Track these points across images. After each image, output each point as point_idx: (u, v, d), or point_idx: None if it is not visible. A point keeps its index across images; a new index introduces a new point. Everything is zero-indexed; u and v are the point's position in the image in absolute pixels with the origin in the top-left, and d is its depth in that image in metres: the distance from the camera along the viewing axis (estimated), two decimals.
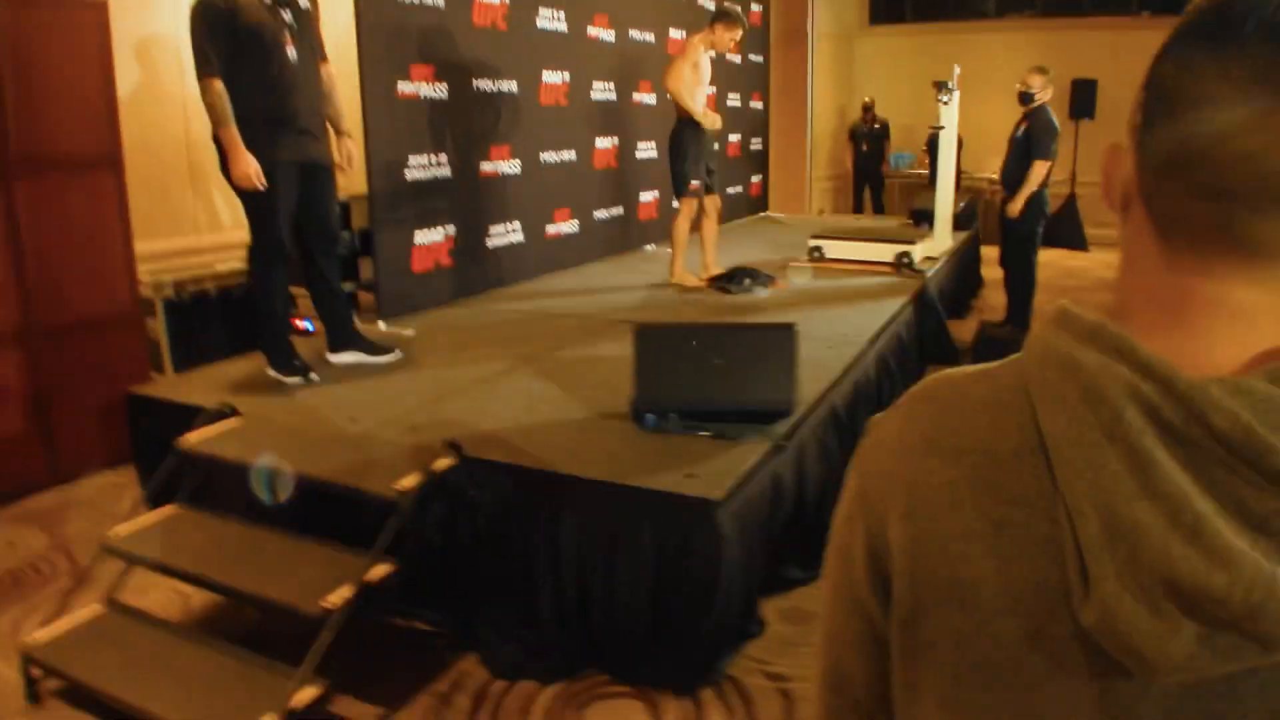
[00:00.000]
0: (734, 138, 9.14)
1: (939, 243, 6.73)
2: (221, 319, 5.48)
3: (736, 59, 8.98)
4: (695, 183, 5.82)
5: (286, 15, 3.86)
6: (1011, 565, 0.61)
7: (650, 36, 7.39)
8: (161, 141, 5.37)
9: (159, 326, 5.34)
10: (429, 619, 3.11)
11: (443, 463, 3.04)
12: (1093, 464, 0.56)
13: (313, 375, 4.04)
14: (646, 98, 7.37)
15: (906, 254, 6.29)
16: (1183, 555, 0.53)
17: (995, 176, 11.67)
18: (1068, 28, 11.87)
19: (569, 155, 6.41)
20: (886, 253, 6.38)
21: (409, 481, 2.89)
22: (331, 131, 4.15)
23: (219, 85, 3.71)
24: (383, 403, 3.75)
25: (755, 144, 9.72)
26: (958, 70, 6.34)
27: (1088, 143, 11.63)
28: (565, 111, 6.33)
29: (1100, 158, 0.67)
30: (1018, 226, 6.19)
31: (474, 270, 5.60)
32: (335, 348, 4.31)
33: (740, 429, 3.18)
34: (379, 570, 2.75)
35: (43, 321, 4.55)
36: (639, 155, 7.30)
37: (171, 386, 4.35)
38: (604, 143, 6.85)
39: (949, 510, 0.64)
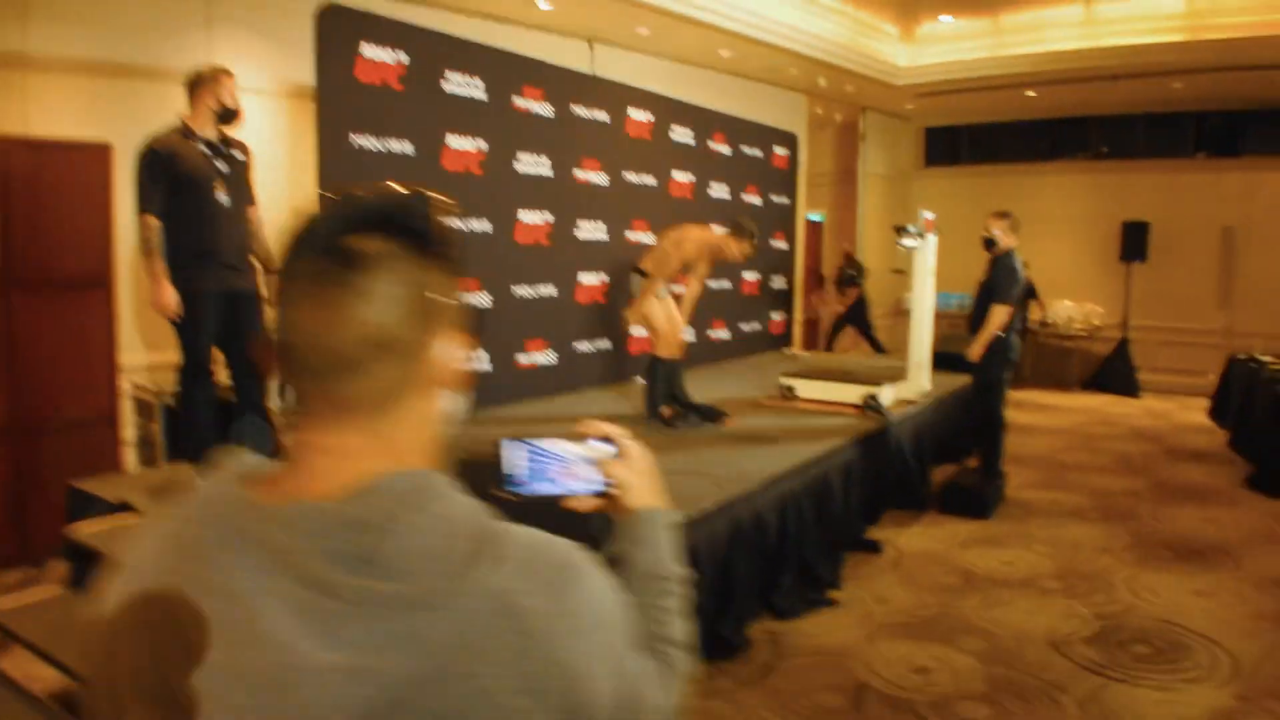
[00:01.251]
0: (751, 276, 9.39)
1: (914, 385, 6.74)
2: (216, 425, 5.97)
3: (757, 200, 9.31)
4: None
5: (220, 164, 4.40)
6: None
7: (650, 180, 7.80)
8: None
9: (157, 429, 5.88)
10: None
11: None
12: (203, 564, 0.84)
13: None
14: (644, 236, 7.73)
15: (873, 396, 6.33)
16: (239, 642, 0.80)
17: (1042, 320, 11.59)
18: (1121, 170, 11.82)
19: (548, 290, 6.78)
20: (855, 394, 6.44)
21: None
22: (260, 267, 4.64)
23: (155, 222, 4.23)
24: None
25: (778, 282, 9.93)
26: (926, 215, 6.45)
27: (1140, 286, 11.45)
28: (546, 250, 6.73)
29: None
30: (981, 372, 6.19)
31: None
32: None
33: None
34: None
35: (26, 419, 5.12)
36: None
37: (112, 483, 4.73)
38: (590, 278, 7.20)
39: None
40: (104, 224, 5.62)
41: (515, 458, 1.19)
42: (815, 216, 13.30)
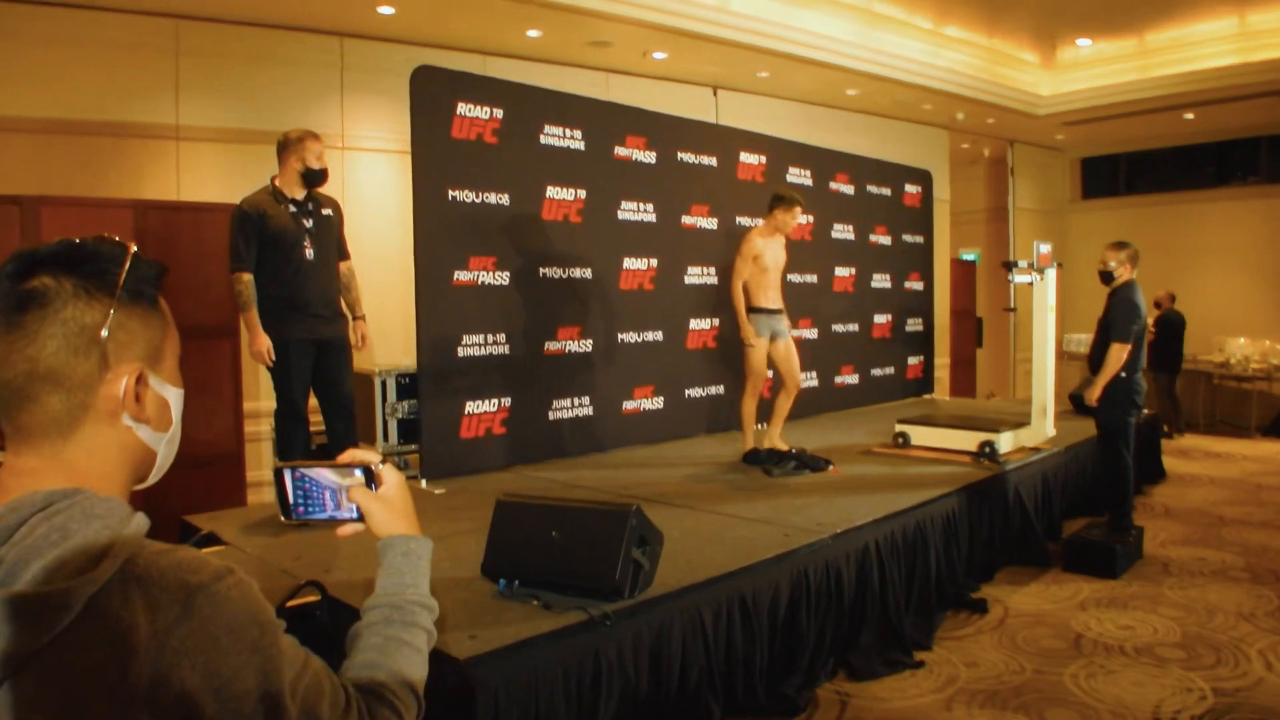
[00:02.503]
0: (880, 319, 9.10)
1: (1036, 432, 6.34)
2: None
3: (886, 240, 9.04)
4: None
5: (308, 222, 4.68)
6: None
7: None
8: None
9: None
10: None
11: (301, 598, 3.43)
12: None
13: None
14: None
15: (989, 444, 6.00)
16: None
17: (1220, 359, 10.71)
18: None
19: (653, 335, 6.77)
20: (970, 442, 6.12)
21: None
22: (349, 316, 4.88)
23: (247, 277, 4.53)
24: (338, 551, 4.20)
25: (913, 325, 9.57)
26: (1042, 248, 6.08)
27: None
28: (650, 295, 6.74)
29: None
30: (1102, 417, 5.75)
31: (531, 439, 6.02)
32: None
33: (569, 601, 3.31)
34: None
35: None
36: None
37: (218, 519, 5.01)
38: (700, 324, 7.16)
39: None
40: (228, 278, 6.01)
41: (288, 486, 1.25)
42: (970, 256, 12.83)
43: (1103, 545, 5.67)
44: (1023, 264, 6.08)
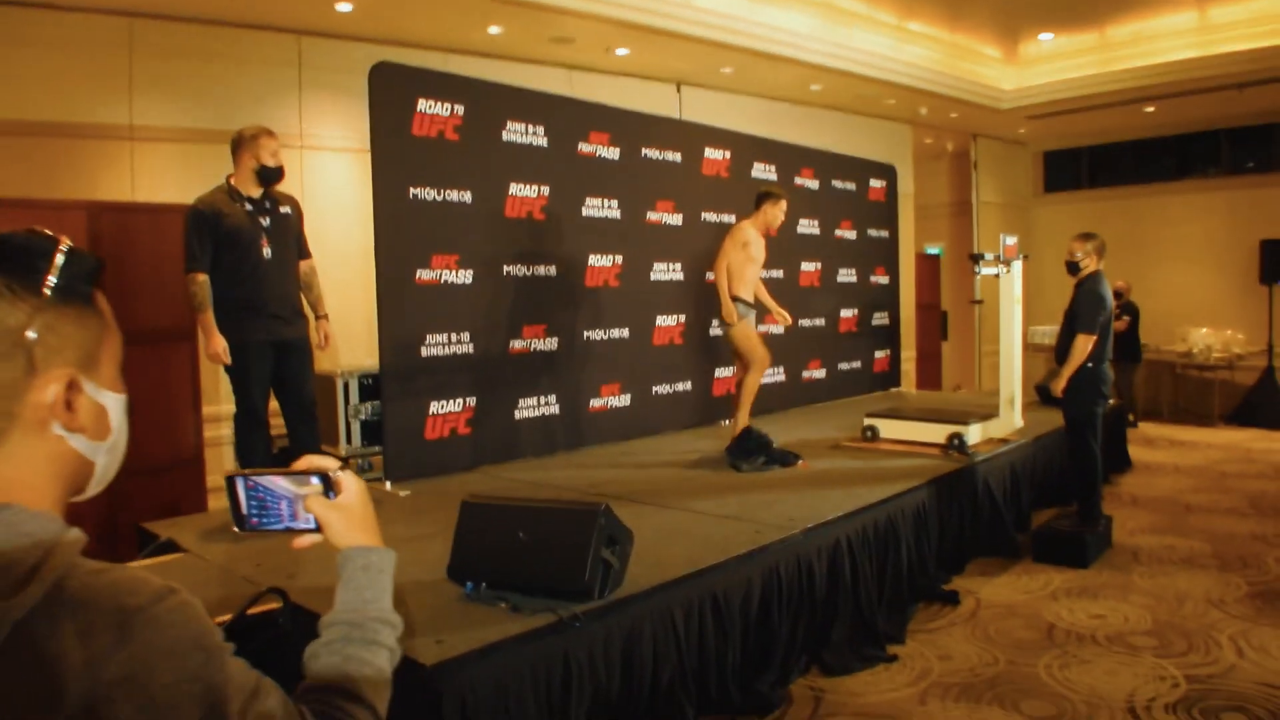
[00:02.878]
0: (847, 313, 9.10)
1: (1004, 423, 6.35)
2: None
3: (851, 235, 9.04)
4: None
5: (264, 220, 4.55)
6: None
7: (730, 218, 7.66)
8: None
9: None
10: None
11: (262, 606, 3.34)
12: None
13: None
14: None
15: (958, 435, 5.99)
16: None
17: (1183, 349, 10.81)
18: (1257, 185, 10.99)
19: (619, 332, 6.72)
20: (939, 434, 6.11)
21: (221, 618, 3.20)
22: (311, 316, 4.77)
23: (202, 278, 4.42)
24: (302, 556, 4.09)
25: (879, 319, 9.58)
26: (1007, 240, 6.09)
27: None
28: (616, 291, 6.68)
29: None
30: (1069, 408, 5.76)
31: (498, 440, 5.94)
32: None
33: (537, 603, 3.24)
34: None
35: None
36: (713, 332, 7.48)
37: (177, 525, 4.87)
38: (667, 320, 7.11)
39: None
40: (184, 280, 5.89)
41: (241, 495, 1.17)
42: (934, 250, 12.88)
43: (1072, 535, 5.68)
44: (989, 256, 6.08)
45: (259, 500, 1.22)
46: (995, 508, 5.88)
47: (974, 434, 6.06)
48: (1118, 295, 10.28)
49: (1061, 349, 5.74)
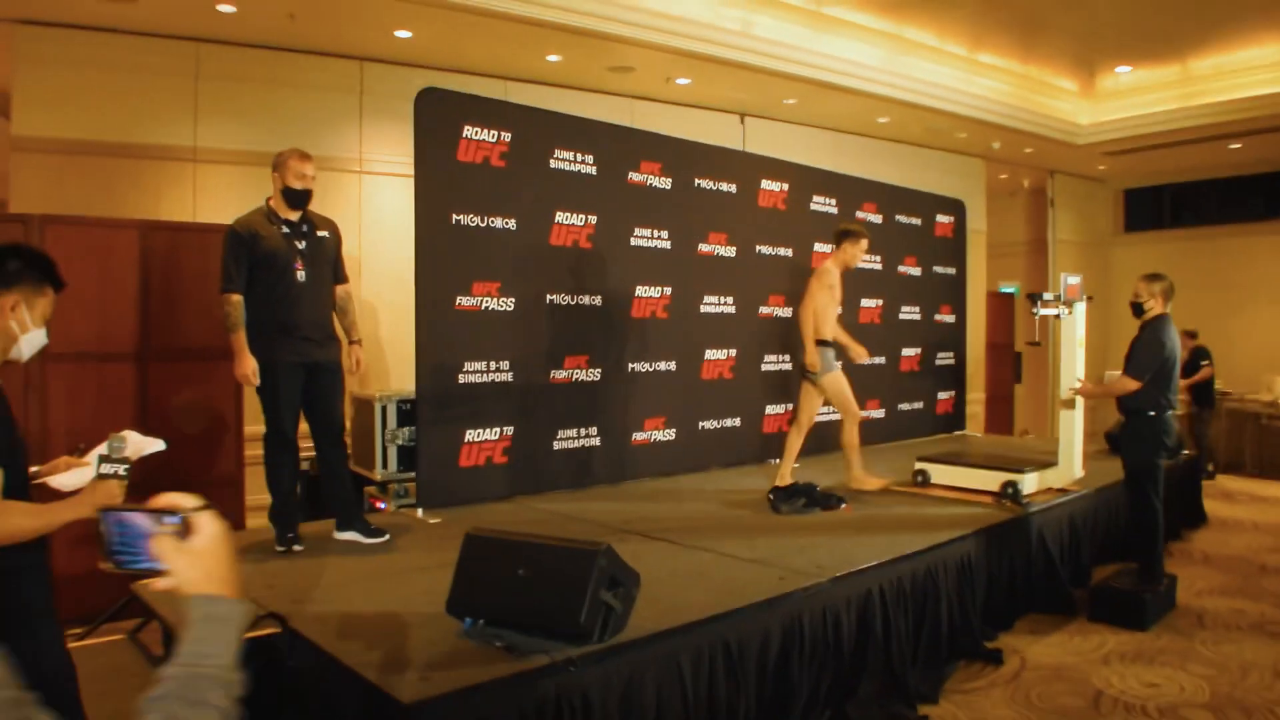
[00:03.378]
0: (909, 351, 8.83)
1: (1064, 472, 6.05)
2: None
3: (915, 271, 8.79)
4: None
5: (300, 244, 4.56)
6: None
7: (785, 251, 7.51)
8: None
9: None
10: None
11: (258, 631, 3.34)
12: None
13: (294, 548, 4.55)
14: (780, 310, 7.44)
15: (1012, 484, 5.73)
16: None
17: (1268, 399, 10.27)
18: None
19: (666, 365, 6.59)
20: (993, 481, 5.85)
21: None
22: (344, 340, 4.76)
23: (236, 299, 4.44)
24: (317, 581, 4.06)
25: (943, 358, 9.29)
26: (1070, 280, 5.83)
27: None
28: (664, 323, 6.57)
29: None
30: (1128, 458, 5.45)
31: (535, 470, 5.86)
32: (340, 526, 4.84)
33: (533, 643, 3.13)
34: None
35: (157, 481, 5.42)
36: (764, 368, 7.31)
37: None
38: (716, 354, 6.96)
39: None
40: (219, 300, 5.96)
41: (111, 530, 1.15)
42: (1009, 288, 12.51)
43: (1131, 595, 5.36)
44: (1049, 296, 5.82)
45: (125, 537, 1.16)
46: (1050, 561, 5.59)
47: (1030, 483, 5.78)
48: (1191, 335, 9.85)
49: (1121, 397, 5.45)
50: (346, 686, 3.05)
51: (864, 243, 6.17)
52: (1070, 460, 6.04)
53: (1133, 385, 5.29)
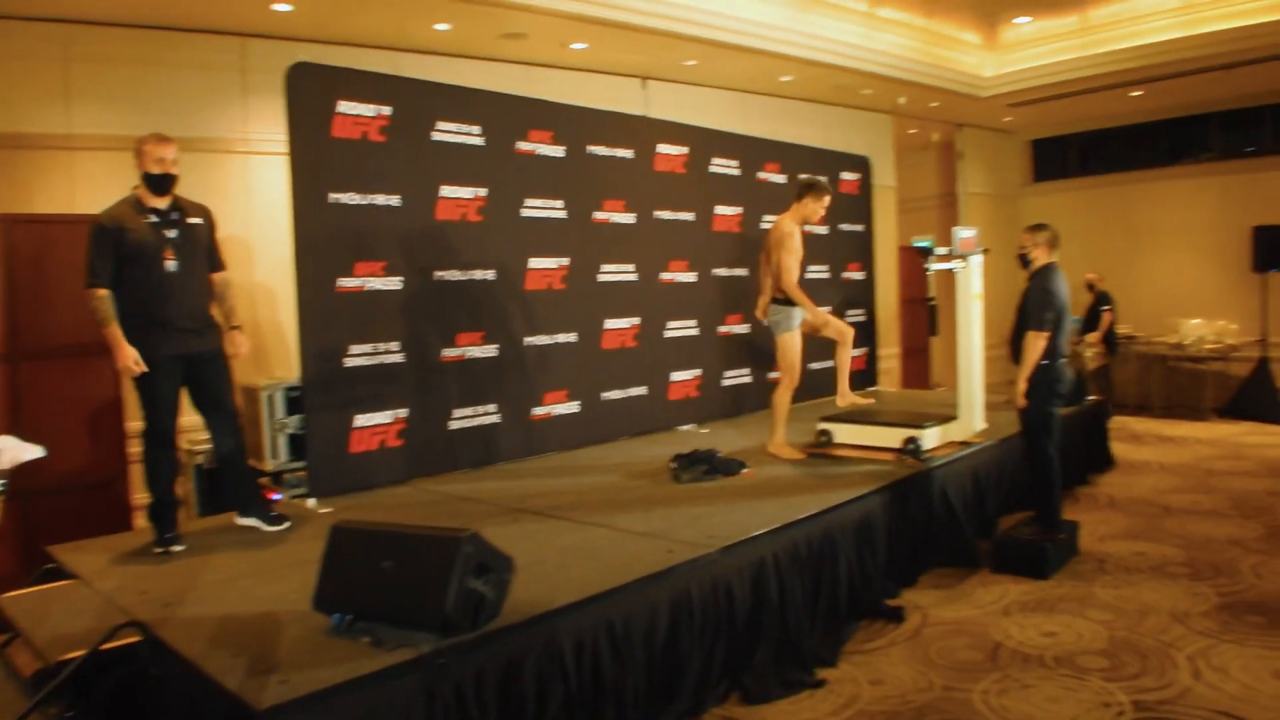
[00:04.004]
0: (821, 309, 8.79)
1: (964, 426, 6.07)
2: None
3: (822, 230, 8.75)
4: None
5: (170, 233, 4.38)
6: None
7: (688, 215, 7.42)
8: None
9: (189, 486, 5.96)
10: None
11: (118, 640, 3.20)
12: None
13: (173, 549, 4.40)
14: (683, 275, 7.36)
15: (913, 439, 5.73)
16: None
17: (1174, 341, 10.47)
18: (1248, 170, 10.62)
19: (565, 337, 6.48)
20: (894, 438, 5.85)
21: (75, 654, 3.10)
22: (225, 326, 4.60)
23: (103, 293, 4.28)
24: (192, 585, 3.90)
25: (854, 316, 9.27)
26: (963, 233, 5.81)
27: (1279, 298, 10.16)
28: (561, 295, 6.44)
29: None
30: (1023, 409, 5.47)
31: (433, 451, 5.73)
32: (241, 513, 4.79)
33: (404, 637, 3.03)
34: None
35: (34, 483, 5.22)
36: (668, 334, 7.24)
37: (83, 548, 4.61)
38: (618, 323, 6.86)
39: None
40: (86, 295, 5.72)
41: None
42: (923, 243, 12.54)
43: (1032, 544, 5.40)
44: (942, 250, 5.80)
45: None
46: (953, 515, 5.61)
47: (931, 438, 5.80)
48: (1090, 287, 10.00)
49: (1015, 348, 5.46)
50: (207, 694, 2.92)
51: (826, 199, 6.07)
52: (971, 413, 6.07)
53: (1042, 340, 5.28)
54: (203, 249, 4.55)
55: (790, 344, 6.06)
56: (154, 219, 4.36)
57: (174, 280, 4.37)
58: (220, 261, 4.67)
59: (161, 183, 4.36)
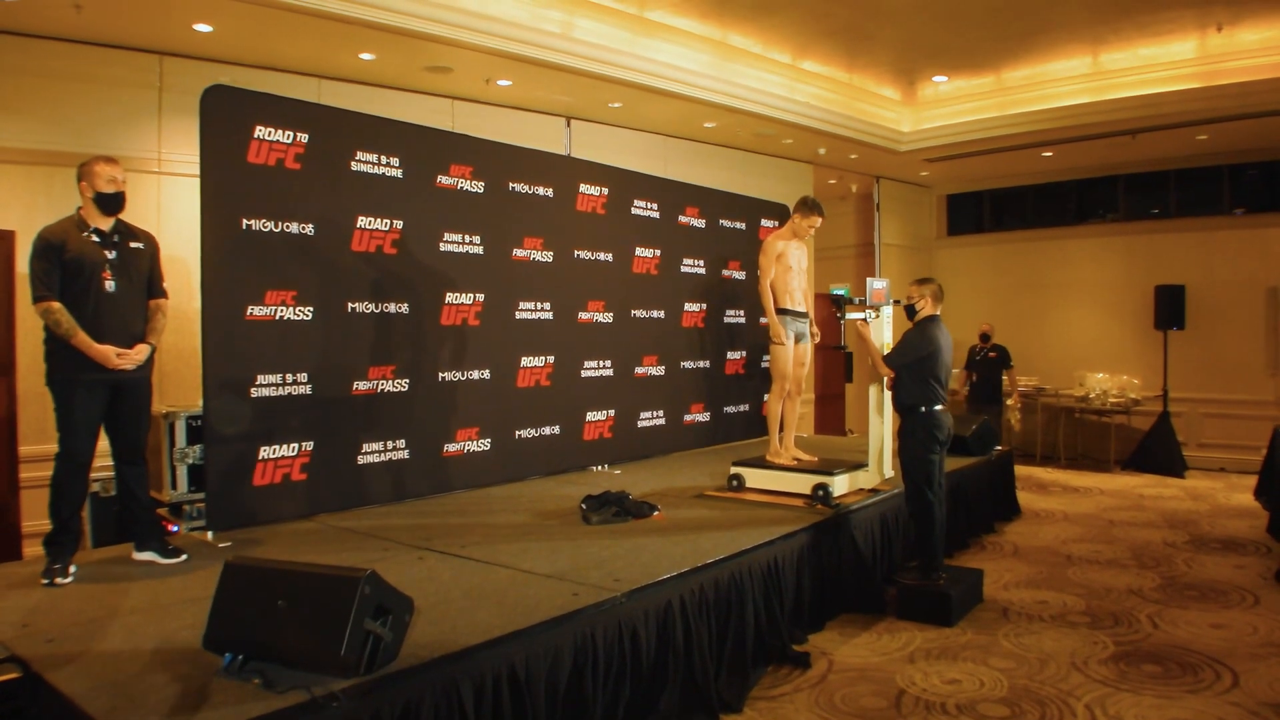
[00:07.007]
0: (734, 355, 8.89)
1: (874, 473, 6.15)
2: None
3: (740, 275, 8.85)
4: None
5: (110, 253, 4.32)
6: None
7: (606, 256, 7.44)
8: None
9: (85, 515, 5.69)
10: None
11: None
12: None
13: (58, 580, 4.23)
14: (600, 315, 7.36)
15: (823, 486, 5.78)
16: None
17: (1080, 393, 10.78)
18: (1152, 231, 11.11)
19: (479, 374, 6.41)
20: (804, 484, 5.90)
21: None
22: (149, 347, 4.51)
23: (57, 305, 4.17)
24: (76, 618, 3.72)
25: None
26: (876, 284, 5.93)
27: (1180, 354, 10.61)
28: (476, 331, 6.38)
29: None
30: (903, 455, 5.59)
31: (339, 487, 5.59)
32: (138, 547, 4.63)
33: (296, 678, 2.92)
34: None
35: None
36: (584, 374, 7.22)
37: None
38: (532, 361, 6.82)
39: None
40: (5, 310, 5.50)
41: None
42: (840, 290, 12.80)
43: (938, 591, 5.47)
44: (857, 300, 5.91)
45: None
46: (861, 562, 5.66)
47: (840, 484, 5.86)
48: (984, 338, 10.27)
49: (897, 396, 5.65)
50: None
51: (814, 218, 6.38)
52: (879, 461, 6.15)
53: (885, 370, 5.66)
54: (142, 274, 4.49)
55: (777, 355, 6.46)
56: (95, 239, 4.33)
57: (111, 301, 4.32)
58: (160, 288, 4.62)
59: (114, 201, 4.35)
